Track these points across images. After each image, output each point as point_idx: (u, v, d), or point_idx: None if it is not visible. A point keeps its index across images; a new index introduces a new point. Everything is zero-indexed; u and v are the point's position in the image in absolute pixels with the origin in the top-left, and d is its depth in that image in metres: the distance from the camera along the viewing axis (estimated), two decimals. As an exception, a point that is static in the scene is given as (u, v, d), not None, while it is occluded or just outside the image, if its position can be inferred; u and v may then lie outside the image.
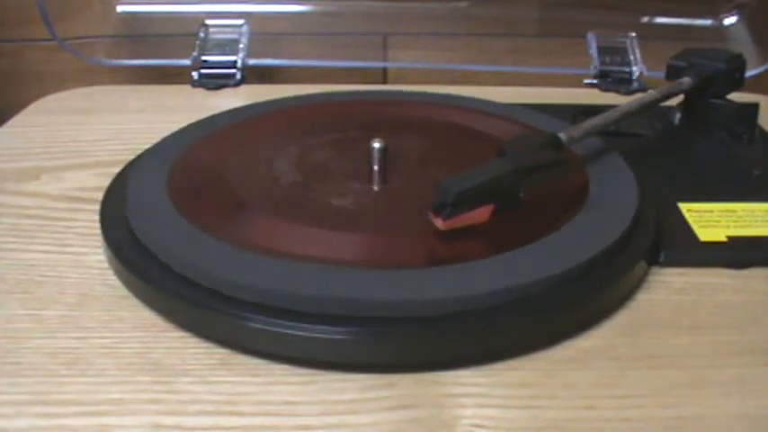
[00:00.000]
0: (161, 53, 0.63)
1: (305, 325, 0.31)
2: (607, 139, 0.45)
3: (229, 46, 0.62)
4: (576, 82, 0.61)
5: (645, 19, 0.66)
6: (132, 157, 0.44)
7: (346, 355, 0.31)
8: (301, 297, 0.31)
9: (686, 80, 0.47)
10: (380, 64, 0.68)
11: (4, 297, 0.35)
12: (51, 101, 0.57)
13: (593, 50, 0.62)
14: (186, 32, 0.63)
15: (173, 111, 0.54)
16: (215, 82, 0.60)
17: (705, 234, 0.39)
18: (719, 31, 0.65)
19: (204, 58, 0.61)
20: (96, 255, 0.38)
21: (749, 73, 0.52)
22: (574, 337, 0.33)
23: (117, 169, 0.43)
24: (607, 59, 0.61)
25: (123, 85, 0.64)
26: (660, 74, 0.51)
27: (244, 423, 0.29)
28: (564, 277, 0.33)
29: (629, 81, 0.60)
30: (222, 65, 0.61)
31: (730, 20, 0.65)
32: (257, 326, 0.31)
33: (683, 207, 0.41)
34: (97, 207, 0.40)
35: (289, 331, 0.31)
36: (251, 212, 0.37)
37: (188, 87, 0.59)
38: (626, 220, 0.37)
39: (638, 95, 0.52)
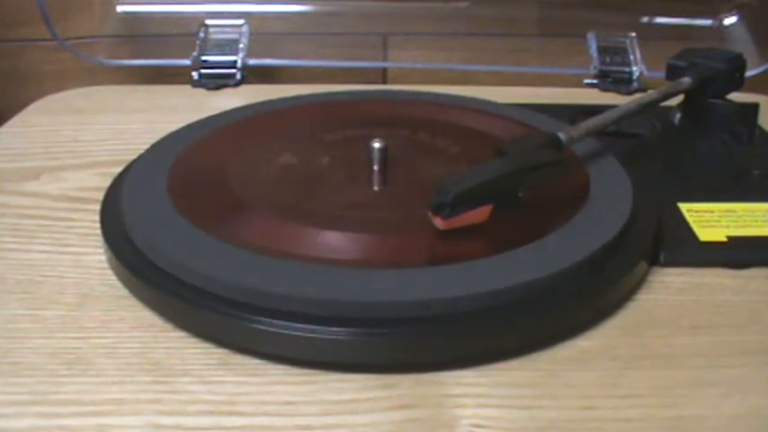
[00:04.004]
0: (161, 53, 0.63)
1: (304, 325, 0.31)
2: (607, 139, 0.45)
3: (229, 46, 0.62)
4: (576, 82, 0.61)
5: (645, 19, 0.66)
6: (132, 157, 0.44)
7: (346, 356, 0.31)
8: (301, 297, 0.31)
9: (686, 80, 0.47)
10: (380, 64, 0.68)
11: (4, 297, 0.35)
12: (51, 101, 0.57)
13: (593, 50, 0.62)
14: (186, 32, 0.63)
15: (173, 111, 0.54)
16: (215, 82, 0.60)
17: (705, 234, 0.39)
18: (719, 31, 0.65)
19: (204, 58, 0.61)
20: (96, 255, 0.38)
21: (749, 73, 0.52)
22: (574, 337, 0.33)
23: (117, 169, 0.43)
24: (607, 59, 0.61)
25: (123, 85, 0.64)
26: (660, 74, 0.51)
27: (243, 423, 0.29)
28: (564, 277, 0.33)
29: (629, 81, 0.60)
30: (222, 65, 0.61)
31: (730, 20, 0.65)
32: (256, 326, 0.31)
33: (683, 207, 0.41)
34: (97, 207, 0.40)
35: (288, 331, 0.31)
36: (250, 212, 0.37)
37: (188, 87, 0.59)
38: (623, 218, 0.37)
39: (638, 95, 0.52)
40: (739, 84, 0.49)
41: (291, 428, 0.28)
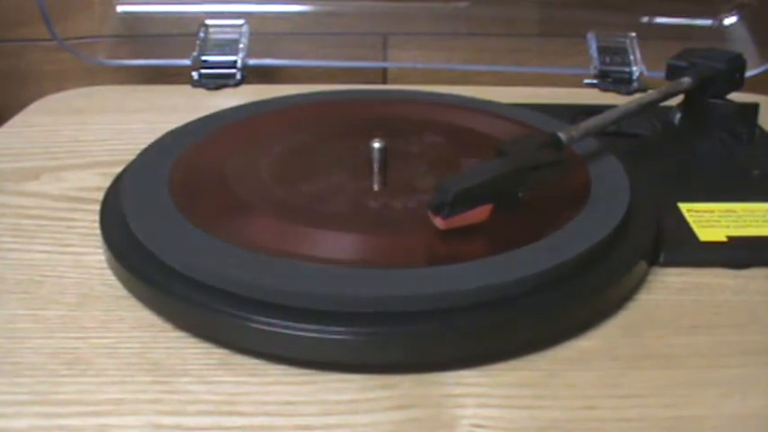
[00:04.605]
0: (161, 53, 0.63)
1: (304, 325, 0.31)
2: (607, 139, 0.45)
3: (229, 46, 0.62)
4: (576, 82, 0.61)
5: (645, 19, 0.66)
6: (132, 157, 0.44)
7: (346, 356, 0.31)
8: (301, 297, 0.31)
9: (686, 80, 0.47)
10: (380, 64, 0.68)
11: (4, 297, 0.35)
12: (51, 101, 0.57)
13: (593, 50, 0.62)
14: (186, 32, 0.63)
15: (173, 111, 0.54)
16: (215, 82, 0.60)
17: (705, 234, 0.39)
18: (719, 31, 0.65)
19: (204, 58, 0.61)
20: (96, 255, 0.38)
21: (749, 73, 0.52)
22: (574, 338, 0.33)
23: (117, 169, 0.43)
24: (607, 59, 0.61)
25: (123, 85, 0.64)
26: (660, 74, 0.51)
27: (243, 423, 0.29)
28: (563, 277, 0.33)
29: (629, 81, 0.60)
30: (222, 65, 0.61)
31: (730, 20, 0.65)
32: (256, 326, 0.31)
33: (683, 207, 0.41)
34: (97, 207, 0.40)
35: (288, 331, 0.31)
36: (250, 212, 0.37)
37: (188, 87, 0.59)
38: (621, 217, 0.37)
39: (638, 95, 0.52)
40: (739, 84, 0.49)
41: (291, 428, 0.28)
